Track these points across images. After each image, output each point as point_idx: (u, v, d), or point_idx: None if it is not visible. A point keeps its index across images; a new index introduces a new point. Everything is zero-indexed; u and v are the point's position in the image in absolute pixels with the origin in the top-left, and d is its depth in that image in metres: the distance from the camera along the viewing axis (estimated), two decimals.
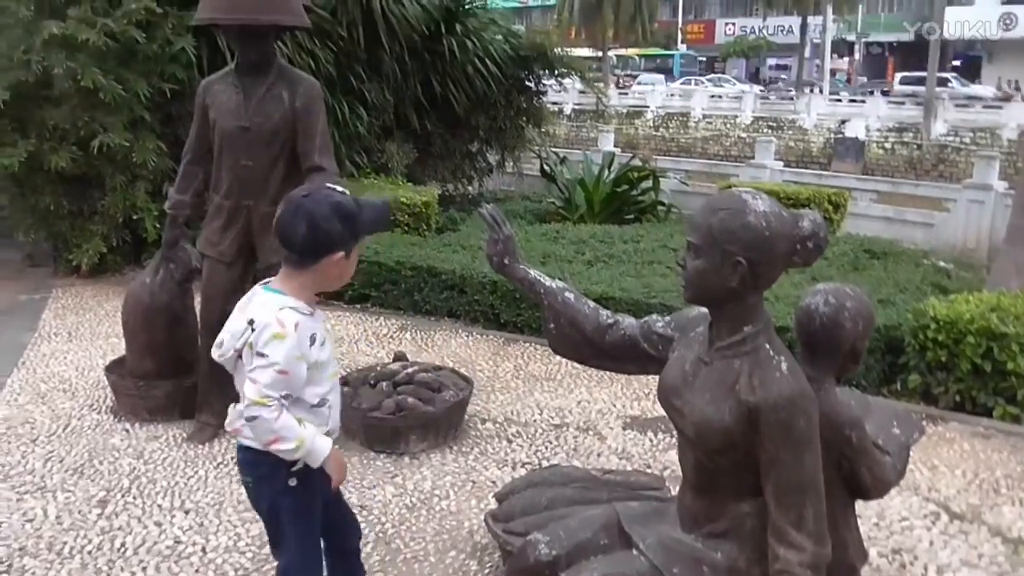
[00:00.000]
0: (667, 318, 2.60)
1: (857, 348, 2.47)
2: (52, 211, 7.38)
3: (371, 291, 6.87)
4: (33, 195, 7.38)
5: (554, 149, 13.19)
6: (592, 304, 2.69)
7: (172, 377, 4.66)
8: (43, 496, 3.85)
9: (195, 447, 4.33)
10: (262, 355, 2.29)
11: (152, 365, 4.66)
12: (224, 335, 2.39)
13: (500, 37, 10.63)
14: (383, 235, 7.47)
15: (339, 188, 2.44)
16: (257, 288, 2.44)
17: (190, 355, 4.62)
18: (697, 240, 2.21)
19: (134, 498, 3.84)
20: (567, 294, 2.68)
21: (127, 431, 4.55)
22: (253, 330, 2.31)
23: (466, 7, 10.45)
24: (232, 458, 4.14)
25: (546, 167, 11.58)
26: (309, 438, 2.35)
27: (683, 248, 2.29)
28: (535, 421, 4.75)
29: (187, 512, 3.72)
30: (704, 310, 2.39)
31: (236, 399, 4.39)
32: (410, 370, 4.57)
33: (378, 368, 4.72)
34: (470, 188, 11.71)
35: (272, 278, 2.46)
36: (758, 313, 2.27)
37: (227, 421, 2.51)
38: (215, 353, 2.43)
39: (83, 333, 6.24)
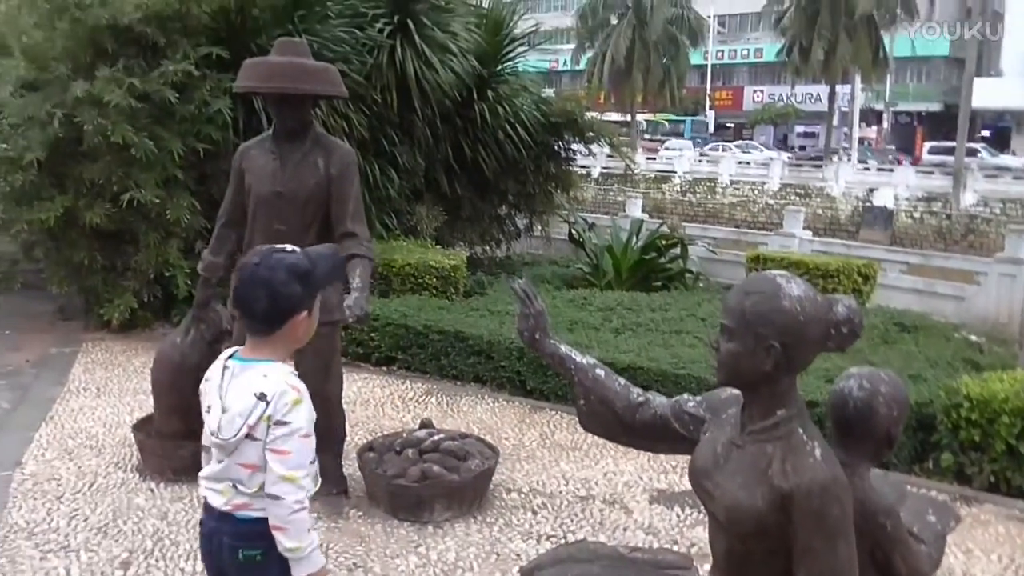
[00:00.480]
0: (698, 398, 2.58)
1: (892, 434, 2.44)
2: (86, 265, 7.48)
3: (398, 354, 6.88)
4: (68, 249, 7.49)
5: (582, 213, 13.25)
6: (623, 382, 2.67)
7: (198, 438, 4.64)
8: (67, 555, 3.86)
9: None
10: (284, 423, 2.21)
11: (179, 425, 4.67)
12: (220, 419, 2.25)
13: (530, 103, 10.76)
14: (411, 298, 7.51)
15: (288, 248, 2.35)
16: (230, 364, 2.32)
17: None
18: (730, 323, 2.20)
19: (156, 560, 3.83)
20: (598, 371, 2.66)
21: (152, 491, 4.55)
22: (268, 402, 2.21)
23: (498, 73, 10.61)
24: None
25: (574, 232, 11.62)
26: (310, 547, 2.25)
27: (717, 329, 2.28)
28: (561, 492, 4.71)
29: None
30: (736, 391, 2.37)
31: None
32: (436, 438, 4.55)
33: (404, 435, 4.71)
34: (498, 252, 11.77)
35: (236, 351, 2.35)
36: (791, 397, 2.24)
37: (222, 501, 2.31)
38: (213, 440, 2.28)
39: (111, 389, 6.28)
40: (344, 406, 4.56)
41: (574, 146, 11.81)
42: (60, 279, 7.75)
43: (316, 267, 2.32)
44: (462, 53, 9.66)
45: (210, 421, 2.28)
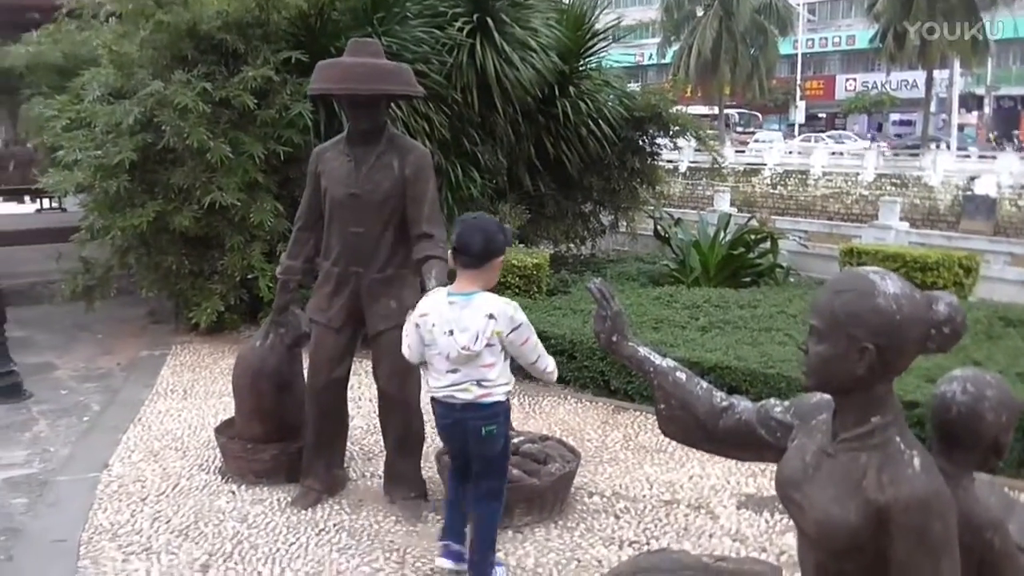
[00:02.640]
0: (786, 403, 2.42)
1: (1001, 441, 2.26)
2: (174, 271, 7.61)
3: None
4: (159, 255, 7.63)
5: (668, 209, 12.98)
6: (705, 385, 2.52)
7: (279, 441, 4.66)
8: (148, 557, 3.88)
9: (298, 512, 4.30)
10: (517, 326, 3.30)
11: (260, 429, 4.67)
12: (464, 337, 3.25)
13: (614, 99, 10.56)
14: None
15: (484, 214, 3.55)
16: (454, 299, 3.32)
17: (297, 419, 4.60)
18: (820, 324, 2.04)
19: (235, 563, 3.83)
20: (679, 374, 2.52)
21: (233, 493, 4.56)
22: (495, 319, 3.25)
23: (580, 69, 10.46)
24: (334, 525, 4.16)
25: (660, 228, 11.39)
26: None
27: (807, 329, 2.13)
28: (644, 496, 4.56)
29: None
30: (827, 396, 2.21)
31: (339, 464, 4.44)
32: (516, 440, 4.44)
33: None
34: (583, 249, 11.62)
35: (448, 290, 3.40)
36: (888, 403, 2.08)
37: (471, 396, 3.32)
38: (462, 353, 3.26)
39: (197, 391, 6.36)
40: (423, 409, 4.49)
41: (659, 140, 11.56)
42: (151, 284, 7.89)
43: (506, 230, 3.47)
44: (543, 50, 9.51)
45: (457, 340, 3.26)
